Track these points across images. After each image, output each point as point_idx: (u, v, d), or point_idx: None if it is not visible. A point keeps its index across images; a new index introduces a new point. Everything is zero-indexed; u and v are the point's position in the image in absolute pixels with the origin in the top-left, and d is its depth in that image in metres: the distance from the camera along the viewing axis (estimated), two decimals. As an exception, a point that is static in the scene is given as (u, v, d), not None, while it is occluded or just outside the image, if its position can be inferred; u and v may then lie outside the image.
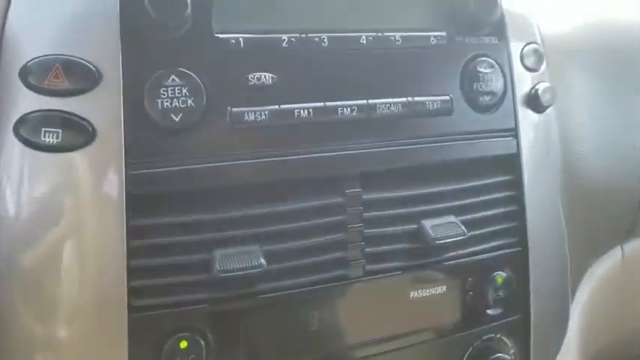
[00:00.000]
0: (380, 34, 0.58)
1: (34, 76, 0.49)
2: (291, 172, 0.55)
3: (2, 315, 0.50)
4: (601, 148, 0.76)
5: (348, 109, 0.56)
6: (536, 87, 0.66)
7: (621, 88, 0.79)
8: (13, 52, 0.50)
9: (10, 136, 0.49)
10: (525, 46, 0.67)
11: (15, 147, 0.49)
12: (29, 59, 0.49)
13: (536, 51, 0.68)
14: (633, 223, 0.83)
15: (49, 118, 0.49)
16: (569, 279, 0.74)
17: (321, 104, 0.56)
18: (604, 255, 0.84)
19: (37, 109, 0.49)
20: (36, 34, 0.50)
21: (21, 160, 0.49)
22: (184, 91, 0.51)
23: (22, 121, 0.49)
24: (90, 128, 0.49)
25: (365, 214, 0.58)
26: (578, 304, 0.80)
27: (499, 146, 0.65)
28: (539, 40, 0.70)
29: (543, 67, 0.69)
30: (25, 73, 0.49)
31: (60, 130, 0.49)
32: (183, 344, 0.51)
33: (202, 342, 0.52)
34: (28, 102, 0.49)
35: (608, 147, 0.77)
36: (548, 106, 0.67)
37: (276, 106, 0.54)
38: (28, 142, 0.49)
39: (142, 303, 0.51)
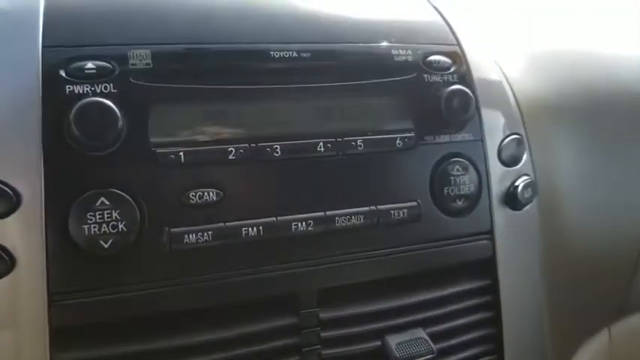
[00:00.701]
0: (339, 139, 0.53)
1: None
2: (236, 294, 0.50)
3: None
4: (591, 219, 0.71)
5: (304, 223, 0.51)
6: (516, 183, 0.61)
7: (611, 144, 0.73)
8: None
9: None
10: (504, 139, 0.62)
11: None
12: None
13: (517, 142, 0.63)
14: (622, 302, 0.79)
15: None
16: None
17: (272, 219, 0.51)
18: (590, 338, 0.79)
19: None
20: (-50, 152, 0.45)
21: None
22: (115, 214, 0.46)
23: None
24: (8, 258, 0.44)
25: (323, 334, 0.53)
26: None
27: (473, 251, 0.60)
28: (517, 119, 0.65)
29: (524, 158, 0.64)
30: None
31: None
32: None
33: None
34: None
35: (599, 217, 0.72)
36: (527, 203, 0.62)
37: (221, 224, 0.49)
38: None
39: None
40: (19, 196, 0.45)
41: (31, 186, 0.45)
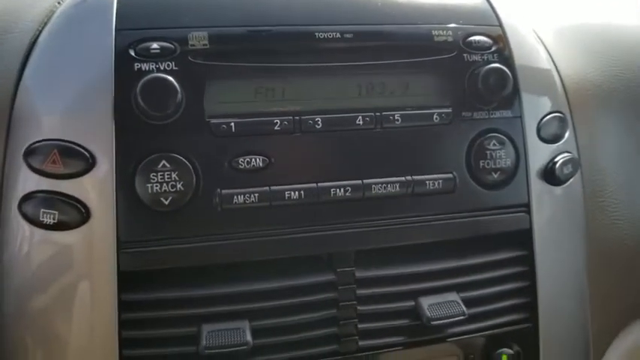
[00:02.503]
0: (378, 113, 0.58)
1: (35, 158, 0.52)
2: (279, 251, 0.56)
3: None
4: (635, 204, 0.72)
5: (342, 189, 0.57)
6: (555, 160, 0.64)
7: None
8: (19, 134, 0.54)
9: (15, 212, 0.53)
10: (544, 117, 0.64)
11: (19, 222, 0.53)
12: (32, 142, 0.53)
13: (558, 120, 0.65)
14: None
15: (46, 200, 0.52)
16: (591, 355, 0.71)
17: (312, 185, 0.56)
18: (628, 328, 0.79)
19: (37, 189, 0.52)
20: (39, 119, 0.53)
21: (23, 235, 0.53)
22: (174, 175, 0.53)
23: (24, 199, 0.52)
24: (84, 210, 0.52)
25: (359, 292, 0.58)
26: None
27: (509, 222, 0.62)
28: (563, 103, 0.67)
29: (567, 135, 0.66)
30: (27, 155, 0.53)
31: (56, 212, 0.52)
32: None
33: None
34: (30, 182, 0.53)
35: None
36: (567, 179, 0.64)
37: (267, 188, 0.55)
38: (29, 220, 0.52)
39: None
40: (94, 158, 0.52)
41: (104, 149, 0.52)
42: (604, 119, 0.70)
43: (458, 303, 0.59)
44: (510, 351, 0.63)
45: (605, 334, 0.74)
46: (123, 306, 0.53)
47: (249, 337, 0.54)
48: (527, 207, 0.63)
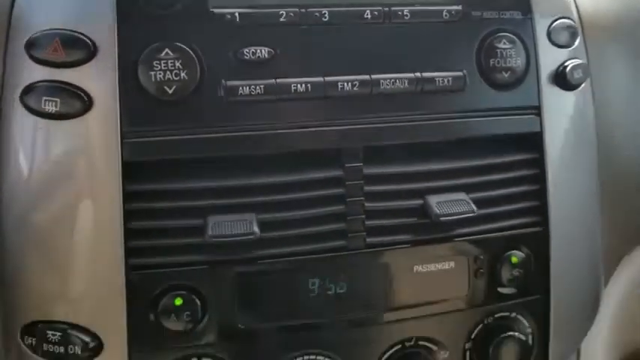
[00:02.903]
0: (386, 8, 0.57)
1: (37, 48, 0.52)
2: (285, 145, 0.55)
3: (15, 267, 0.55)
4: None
5: (349, 84, 0.56)
6: (565, 64, 0.63)
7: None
8: (20, 26, 0.53)
9: (17, 103, 0.52)
10: (554, 21, 0.63)
11: (21, 113, 0.52)
12: (33, 33, 0.52)
13: (567, 27, 0.64)
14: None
15: (49, 88, 0.51)
16: (601, 265, 0.70)
17: (319, 79, 0.55)
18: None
19: (39, 79, 0.52)
20: (40, 10, 0.53)
21: (26, 126, 0.53)
22: (178, 64, 0.52)
23: (26, 90, 0.52)
24: (86, 98, 0.51)
25: (366, 188, 0.58)
26: (612, 296, 0.76)
27: (519, 124, 0.62)
28: (573, 15, 0.66)
29: (577, 43, 0.65)
30: (29, 46, 0.52)
31: (58, 100, 0.51)
32: (178, 301, 0.54)
33: (197, 301, 0.54)
34: (31, 73, 0.52)
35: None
36: (578, 84, 0.63)
37: (272, 81, 0.54)
38: (31, 110, 0.52)
39: (138, 262, 0.54)
40: (96, 46, 0.52)
41: (106, 38, 0.52)
42: (615, 49, 0.70)
43: (467, 202, 0.59)
44: (520, 253, 0.62)
45: (617, 248, 0.74)
46: (127, 196, 0.53)
47: (255, 228, 0.53)
48: (537, 109, 0.62)
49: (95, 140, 0.52)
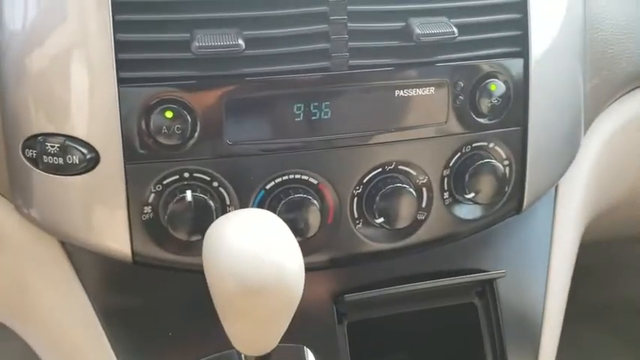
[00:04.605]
0: None
1: None
2: None
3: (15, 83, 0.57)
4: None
5: None
6: None
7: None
8: None
9: None
10: None
11: None
12: None
13: None
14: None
15: None
16: (582, 107, 0.72)
17: None
18: (625, 96, 0.79)
19: None
20: None
21: None
22: None
23: None
24: None
25: (350, 7, 0.59)
26: (591, 144, 0.77)
27: None
28: None
29: None
30: None
31: None
32: (169, 114, 0.57)
33: (187, 116, 0.57)
34: None
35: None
36: None
37: None
38: None
39: (129, 75, 0.56)
40: None
41: None
42: None
43: (448, 24, 0.61)
44: (500, 82, 0.64)
45: (600, 97, 0.75)
46: (116, 7, 0.55)
47: (241, 41, 0.55)
48: None
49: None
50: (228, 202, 0.60)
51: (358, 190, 0.63)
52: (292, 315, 0.49)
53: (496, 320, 0.71)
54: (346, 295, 0.64)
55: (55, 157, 0.57)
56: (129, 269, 0.61)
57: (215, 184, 0.59)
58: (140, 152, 0.58)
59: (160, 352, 0.64)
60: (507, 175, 0.66)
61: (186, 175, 0.59)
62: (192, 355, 0.63)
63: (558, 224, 0.74)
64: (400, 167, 0.63)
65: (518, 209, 0.69)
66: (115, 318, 0.63)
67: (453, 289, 0.70)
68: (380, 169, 0.63)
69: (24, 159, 0.58)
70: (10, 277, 0.65)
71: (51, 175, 0.58)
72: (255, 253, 0.45)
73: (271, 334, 0.50)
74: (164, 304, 0.64)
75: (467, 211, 0.67)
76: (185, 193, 0.58)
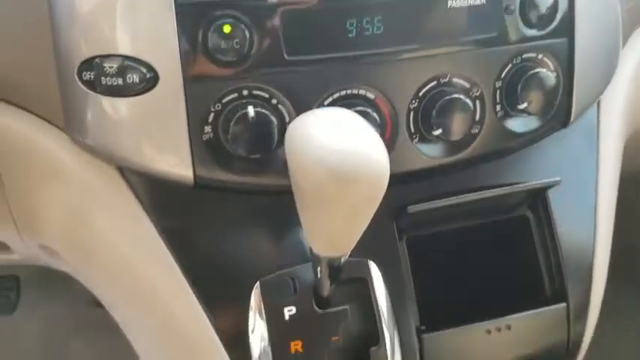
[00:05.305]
0: None
1: None
2: None
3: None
4: None
5: None
6: None
7: None
8: None
9: None
10: None
11: None
12: None
13: None
14: None
15: None
16: (620, 23, 0.72)
17: None
18: None
19: None
20: None
21: None
22: None
23: None
24: None
25: None
26: (629, 61, 0.78)
27: None
28: None
29: None
30: None
31: None
32: (227, 28, 0.56)
33: (245, 30, 0.57)
34: None
35: None
36: None
37: None
38: None
39: None
40: None
41: None
42: None
43: None
44: None
45: (635, 17, 0.76)
46: None
47: None
48: None
49: None
50: (287, 120, 0.60)
51: (414, 103, 0.63)
52: (374, 210, 0.49)
53: (550, 234, 0.71)
54: (409, 207, 0.65)
55: (114, 78, 0.57)
56: (188, 193, 0.61)
57: (274, 101, 0.59)
58: (199, 70, 0.57)
59: (226, 271, 0.63)
60: (557, 85, 0.67)
61: (245, 92, 0.58)
62: (257, 273, 0.63)
63: (603, 137, 0.75)
64: (454, 80, 0.64)
65: (566, 121, 0.69)
66: (179, 240, 0.63)
67: (506, 201, 0.70)
68: (435, 82, 0.63)
69: (80, 83, 0.58)
70: (71, 211, 0.65)
71: (109, 98, 0.57)
72: (346, 142, 0.45)
73: (353, 228, 0.50)
74: (226, 226, 0.64)
75: (519, 124, 0.67)
76: (247, 109, 0.57)
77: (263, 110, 0.58)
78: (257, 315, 0.63)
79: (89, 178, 0.63)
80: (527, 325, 0.70)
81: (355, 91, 0.61)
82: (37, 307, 1.33)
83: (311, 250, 0.56)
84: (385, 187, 0.47)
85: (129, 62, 0.56)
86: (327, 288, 0.62)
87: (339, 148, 0.45)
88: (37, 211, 0.66)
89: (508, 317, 0.69)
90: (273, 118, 0.58)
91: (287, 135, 0.50)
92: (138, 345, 0.73)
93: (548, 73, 0.65)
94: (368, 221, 0.50)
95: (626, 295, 1.27)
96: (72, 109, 0.60)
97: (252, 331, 0.63)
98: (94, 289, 0.74)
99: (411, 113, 0.63)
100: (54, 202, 0.65)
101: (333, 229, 0.50)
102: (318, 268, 0.58)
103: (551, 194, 0.71)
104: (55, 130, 0.62)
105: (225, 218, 0.64)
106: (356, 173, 0.45)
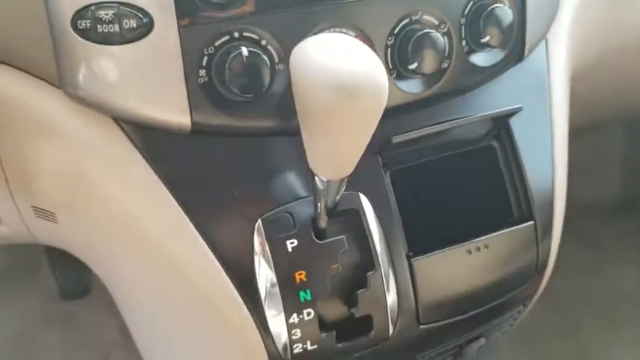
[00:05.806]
0: None
1: None
2: None
3: None
4: None
5: None
6: None
7: None
8: None
9: None
10: None
11: None
12: None
13: None
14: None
15: None
16: None
17: None
18: None
19: None
20: None
21: None
22: None
23: None
24: None
25: None
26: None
27: None
28: None
29: None
30: None
31: None
32: None
33: None
34: None
35: None
36: None
37: None
38: None
39: None
40: None
41: None
42: None
43: None
44: None
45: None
46: None
47: None
48: None
49: None
50: (276, 60, 0.63)
51: (391, 40, 0.68)
52: (375, 127, 0.53)
53: (514, 160, 0.78)
54: (393, 137, 0.69)
55: (110, 25, 0.58)
56: (185, 139, 0.63)
57: (263, 42, 0.62)
58: (191, 13, 0.60)
59: (228, 210, 0.66)
60: (512, 21, 0.73)
61: (236, 34, 0.61)
62: (259, 210, 0.66)
63: (553, 71, 0.82)
64: (424, 17, 0.69)
65: (521, 56, 0.76)
66: (181, 186, 0.65)
67: (475, 131, 0.77)
68: (407, 20, 0.68)
69: (75, 34, 0.59)
70: (67, 166, 0.65)
71: (105, 46, 0.59)
72: (349, 62, 0.49)
73: (355, 147, 0.54)
74: (225, 169, 0.66)
75: (482, 59, 0.73)
76: (240, 49, 0.60)
77: (255, 50, 0.61)
78: (262, 250, 0.66)
79: (85, 132, 0.64)
80: (502, 244, 0.77)
81: (337, 30, 0.65)
82: (6, 301, 1.31)
83: (313, 181, 0.60)
84: (385, 103, 0.51)
85: (124, 8, 0.58)
86: (324, 219, 0.66)
87: (344, 67, 0.49)
88: (32, 170, 0.67)
89: (485, 237, 0.75)
90: (265, 57, 0.61)
91: (292, 61, 0.54)
92: (144, 308, 0.74)
93: (505, 8, 0.71)
94: (368, 140, 0.54)
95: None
96: (66, 62, 0.61)
97: (259, 266, 0.66)
98: (91, 257, 0.74)
99: (389, 50, 0.68)
100: (49, 159, 0.66)
101: (337, 150, 0.54)
102: (318, 204, 0.62)
103: (513, 124, 0.78)
104: (51, 88, 0.63)
105: (222, 163, 0.67)
106: (360, 89, 0.49)
